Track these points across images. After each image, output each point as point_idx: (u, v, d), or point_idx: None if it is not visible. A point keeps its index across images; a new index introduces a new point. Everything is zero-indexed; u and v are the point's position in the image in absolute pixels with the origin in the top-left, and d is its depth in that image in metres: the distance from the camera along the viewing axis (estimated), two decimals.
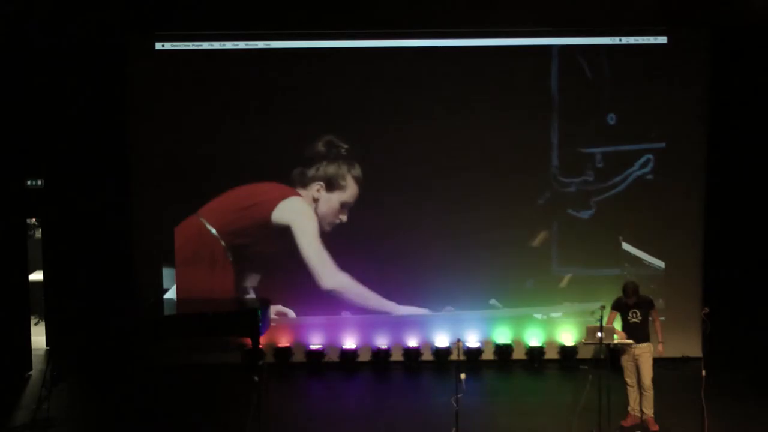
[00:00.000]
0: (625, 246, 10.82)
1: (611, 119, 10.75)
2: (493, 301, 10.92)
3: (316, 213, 10.79)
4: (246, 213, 10.79)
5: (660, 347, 8.42)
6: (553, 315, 10.93)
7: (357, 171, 10.79)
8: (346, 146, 10.74)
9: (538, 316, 10.95)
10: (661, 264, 10.85)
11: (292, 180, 10.80)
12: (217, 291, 10.72)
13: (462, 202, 10.80)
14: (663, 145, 10.78)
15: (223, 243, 10.76)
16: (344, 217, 10.80)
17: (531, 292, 10.91)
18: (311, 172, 10.78)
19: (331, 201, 10.80)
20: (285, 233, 10.78)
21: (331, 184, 10.79)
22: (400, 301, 10.89)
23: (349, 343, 10.96)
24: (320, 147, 10.76)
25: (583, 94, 10.75)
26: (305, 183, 10.81)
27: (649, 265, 10.82)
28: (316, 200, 10.80)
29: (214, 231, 10.76)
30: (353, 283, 10.81)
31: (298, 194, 10.79)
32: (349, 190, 10.81)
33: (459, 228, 10.80)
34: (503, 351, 10.88)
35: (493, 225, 10.80)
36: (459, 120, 10.73)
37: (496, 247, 10.80)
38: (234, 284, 10.83)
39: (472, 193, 10.81)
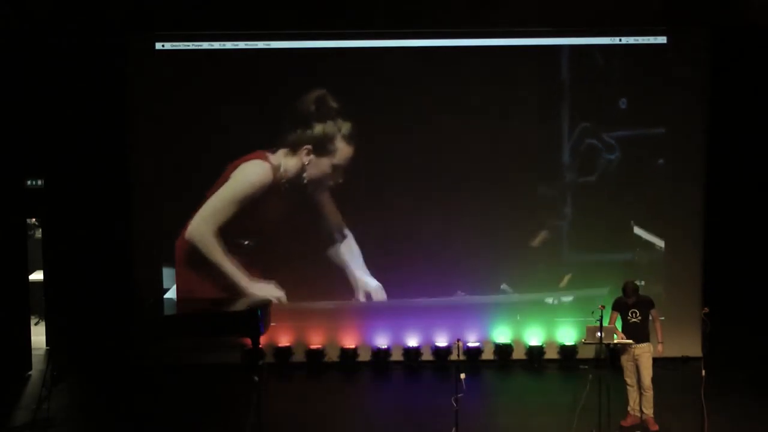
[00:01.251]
0: (637, 231, 10.82)
1: (621, 105, 10.74)
2: (504, 286, 10.91)
3: (304, 176, 10.72)
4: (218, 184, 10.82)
5: (660, 347, 8.41)
6: (564, 300, 10.91)
7: (347, 130, 10.70)
8: (336, 105, 10.69)
9: (550, 300, 10.93)
10: (661, 243, 10.87)
11: (286, 145, 10.78)
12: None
13: (472, 191, 10.79)
14: (663, 148, 10.81)
15: None
16: (340, 180, 10.76)
17: (542, 277, 10.88)
18: (300, 133, 10.71)
19: (321, 164, 10.76)
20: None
21: (321, 148, 10.72)
22: (406, 290, 10.88)
23: (349, 342, 10.96)
24: (311, 106, 10.69)
25: (583, 94, 10.76)
26: (295, 146, 10.76)
27: (660, 249, 10.82)
28: (305, 164, 10.75)
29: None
30: (214, 246, 10.75)
31: (262, 157, 10.74)
32: (340, 153, 10.76)
33: (469, 214, 10.78)
34: (503, 351, 10.88)
35: (504, 210, 10.80)
36: (465, 117, 10.76)
37: (507, 232, 10.79)
38: None
39: (482, 182, 10.79)
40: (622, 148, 10.79)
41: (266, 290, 10.77)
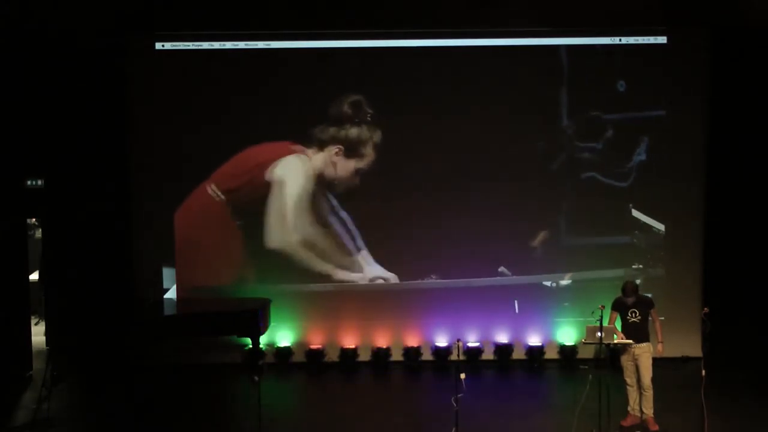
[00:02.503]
0: (636, 213, 10.85)
1: (621, 100, 10.76)
2: (502, 269, 10.91)
3: (332, 175, 10.80)
4: (247, 174, 10.77)
5: (660, 347, 8.41)
6: (563, 283, 10.90)
7: (377, 138, 10.78)
8: (371, 111, 10.76)
9: (548, 283, 10.93)
10: (661, 227, 10.89)
11: (311, 138, 10.79)
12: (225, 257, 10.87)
13: (473, 183, 10.82)
14: (663, 148, 10.82)
15: (229, 207, 10.80)
16: (356, 181, 10.82)
17: (540, 260, 10.87)
18: (332, 131, 10.76)
19: (347, 166, 10.80)
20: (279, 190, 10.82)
21: (351, 150, 10.80)
22: (407, 273, 10.92)
23: (349, 342, 10.96)
24: (346, 108, 10.76)
25: (583, 93, 10.77)
26: (323, 144, 10.79)
27: (658, 232, 10.84)
28: (333, 163, 10.79)
29: (222, 195, 10.78)
30: (299, 248, 10.82)
31: (298, 152, 10.79)
32: (367, 158, 10.81)
33: (468, 204, 10.81)
34: (503, 351, 10.89)
35: (503, 195, 10.82)
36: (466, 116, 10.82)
37: (505, 216, 10.81)
38: (242, 248, 10.87)
39: (482, 166, 10.82)
40: (621, 144, 10.81)
41: None
